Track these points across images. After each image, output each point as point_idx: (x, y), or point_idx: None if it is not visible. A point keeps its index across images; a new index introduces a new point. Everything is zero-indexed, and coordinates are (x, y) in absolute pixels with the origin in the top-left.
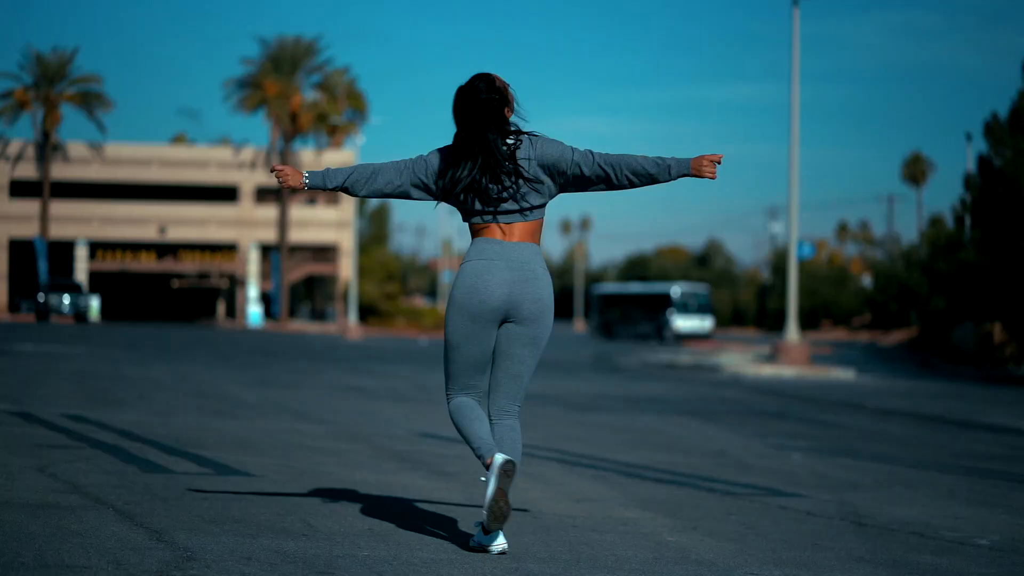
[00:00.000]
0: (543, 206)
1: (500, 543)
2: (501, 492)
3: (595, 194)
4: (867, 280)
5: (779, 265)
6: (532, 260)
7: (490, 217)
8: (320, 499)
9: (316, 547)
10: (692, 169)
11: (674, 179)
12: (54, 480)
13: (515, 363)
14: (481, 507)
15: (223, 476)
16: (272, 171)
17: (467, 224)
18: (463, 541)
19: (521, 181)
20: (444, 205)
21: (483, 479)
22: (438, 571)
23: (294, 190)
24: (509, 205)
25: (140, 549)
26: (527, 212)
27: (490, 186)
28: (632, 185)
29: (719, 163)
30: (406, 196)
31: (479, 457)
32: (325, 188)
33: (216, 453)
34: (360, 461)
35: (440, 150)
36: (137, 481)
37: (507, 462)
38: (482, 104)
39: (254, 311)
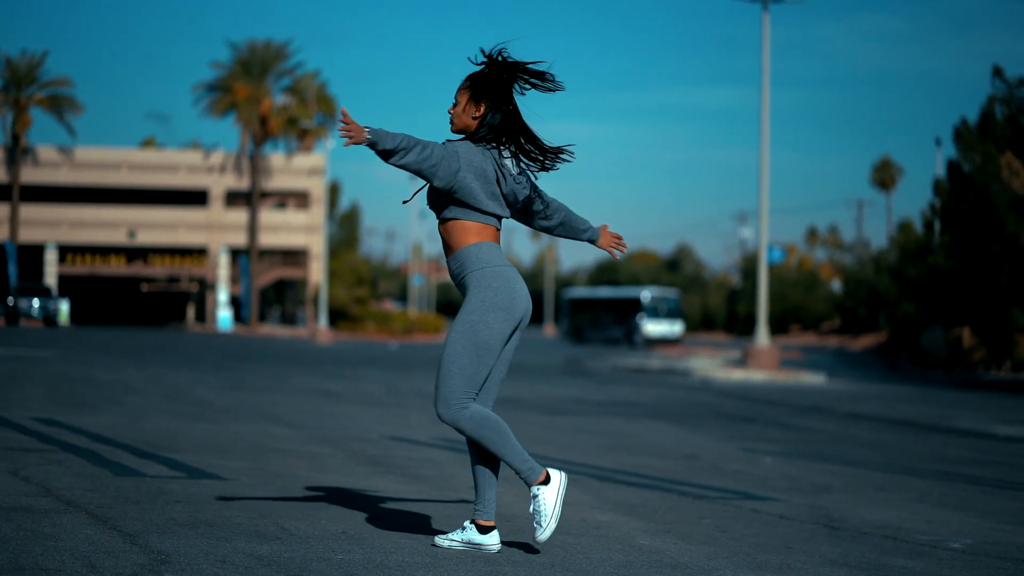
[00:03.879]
0: None
1: (496, 543)
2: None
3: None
4: (836, 285)
5: (749, 270)
6: None
7: (494, 220)
8: (293, 502)
9: (290, 550)
10: (600, 240)
11: (584, 240)
12: (27, 483)
13: (505, 366)
14: (451, 505)
15: (196, 479)
16: (342, 129)
17: (452, 220)
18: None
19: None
20: (419, 209)
21: (535, 493)
22: (412, 574)
23: (357, 143)
24: (504, 209)
25: (114, 552)
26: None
27: (518, 188)
28: (553, 233)
29: (623, 248)
30: (430, 178)
31: (528, 471)
32: (376, 147)
33: (188, 456)
34: (333, 465)
35: (461, 143)
36: (110, 484)
37: (567, 478)
38: (526, 73)
39: (224, 315)
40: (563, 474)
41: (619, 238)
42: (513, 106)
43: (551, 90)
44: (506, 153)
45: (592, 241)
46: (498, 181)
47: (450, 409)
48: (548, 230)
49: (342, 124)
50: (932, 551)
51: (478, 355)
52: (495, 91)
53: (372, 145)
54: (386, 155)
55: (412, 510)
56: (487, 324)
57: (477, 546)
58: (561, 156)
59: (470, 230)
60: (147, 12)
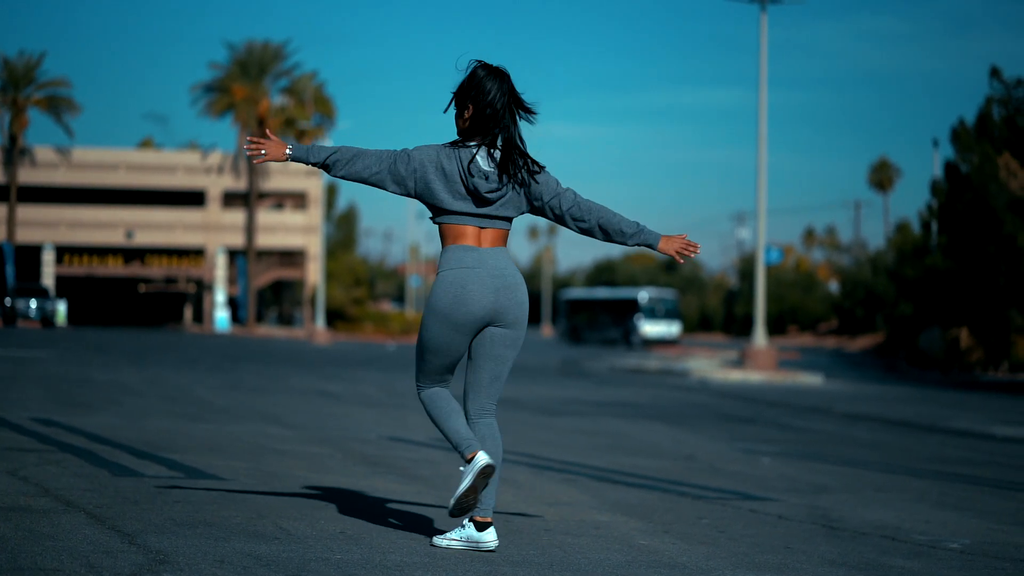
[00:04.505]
0: (513, 219)
1: (495, 539)
2: (474, 489)
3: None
4: (834, 286)
5: (746, 270)
6: (509, 265)
7: (470, 219)
8: (292, 503)
9: (289, 550)
10: (659, 245)
11: (634, 245)
12: (25, 483)
13: (498, 364)
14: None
15: (194, 480)
16: (248, 143)
17: (438, 226)
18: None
19: (511, 186)
20: (416, 210)
21: (461, 469)
22: (411, 574)
23: (275, 160)
24: (489, 209)
25: (112, 552)
26: (504, 221)
27: (481, 182)
28: (596, 237)
29: (694, 253)
30: (381, 186)
31: (459, 451)
32: (306, 162)
33: (186, 457)
34: (331, 465)
35: (428, 146)
36: (108, 484)
37: (488, 466)
38: (511, 90)
39: (221, 316)
40: (484, 457)
41: (692, 245)
42: (493, 110)
43: (520, 113)
44: (482, 153)
45: (649, 245)
46: (462, 178)
47: (417, 392)
48: (588, 232)
49: (251, 143)
50: (931, 551)
51: (422, 351)
52: (474, 95)
53: (298, 160)
54: (325, 169)
55: (410, 510)
56: (426, 326)
57: (475, 543)
58: (532, 170)
59: (446, 234)
60: (145, 13)
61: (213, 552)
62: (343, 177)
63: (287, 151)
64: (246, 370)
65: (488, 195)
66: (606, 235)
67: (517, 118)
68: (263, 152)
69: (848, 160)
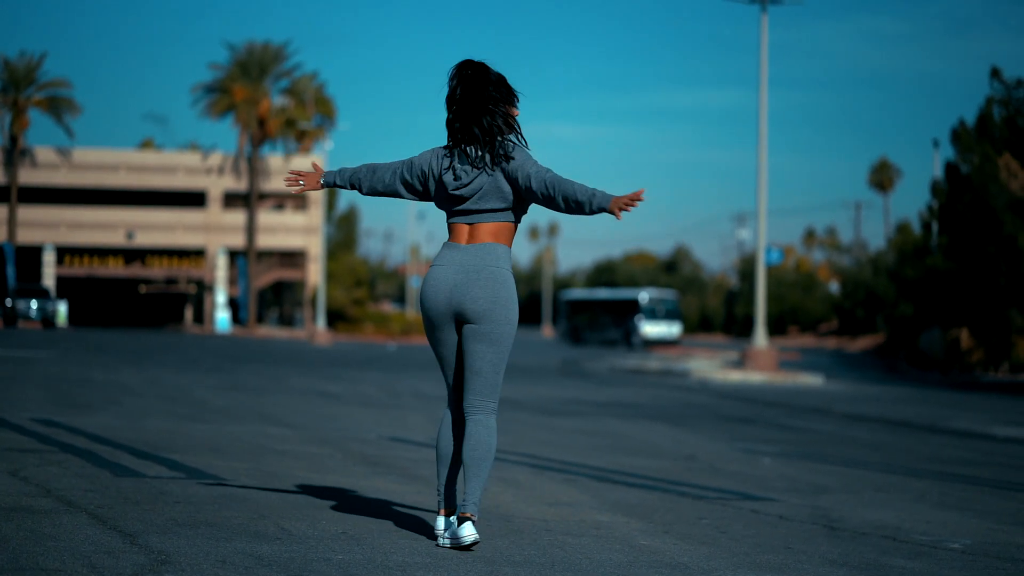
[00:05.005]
0: (508, 209)
1: (471, 534)
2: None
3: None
4: (834, 286)
5: (747, 271)
6: (482, 260)
7: (457, 217)
8: (293, 503)
9: (290, 550)
10: (610, 206)
11: (592, 213)
12: (26, 484)
13: (473, 359)
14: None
15: (195, 480)
16: (290, 174)
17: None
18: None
19: (481, 176)
20: (416, 211)
21: (437, 538)
22: (413, 574)
23: (311, 190)
24: (469, 204)
25: (114, 552)
26: (492, 213)
27: (448, 174)
28: (563, 210)
29: (638, 201)
30: (397, 194)
31: (438, 497)
32: (335, 186)
33: (187, 457)
34: (331, 465)
35: (428, 151)
36: (109, 485)
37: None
38: (470, 83)
39: (222, 316)
40: (439, 526)
41: (636, 199)
42: (452, 106)
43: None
44: (458, 151)
45: (603, 210)
46: (440, 177)
47: None
48: (558, 208)
49: (291, 174)
50: (931, 551)
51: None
52: (447, 99)
53: (329, 185)
54: (354, 189)
55: (411, 511)
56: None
57: (456, 539)
58: (501, 154)
59: (448, 233)
60: (145, 13)
61: (215, 552)
62: (368, 194)
63: (319, 181)
64: (246, 370)
65: (454, 192)
66: (569, 207)
67: (484, 108)
68: (301, 183)
69: (848, 160)
